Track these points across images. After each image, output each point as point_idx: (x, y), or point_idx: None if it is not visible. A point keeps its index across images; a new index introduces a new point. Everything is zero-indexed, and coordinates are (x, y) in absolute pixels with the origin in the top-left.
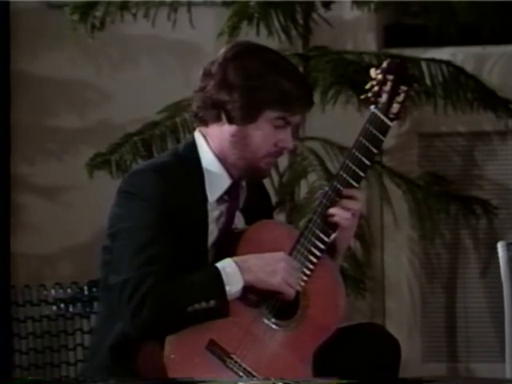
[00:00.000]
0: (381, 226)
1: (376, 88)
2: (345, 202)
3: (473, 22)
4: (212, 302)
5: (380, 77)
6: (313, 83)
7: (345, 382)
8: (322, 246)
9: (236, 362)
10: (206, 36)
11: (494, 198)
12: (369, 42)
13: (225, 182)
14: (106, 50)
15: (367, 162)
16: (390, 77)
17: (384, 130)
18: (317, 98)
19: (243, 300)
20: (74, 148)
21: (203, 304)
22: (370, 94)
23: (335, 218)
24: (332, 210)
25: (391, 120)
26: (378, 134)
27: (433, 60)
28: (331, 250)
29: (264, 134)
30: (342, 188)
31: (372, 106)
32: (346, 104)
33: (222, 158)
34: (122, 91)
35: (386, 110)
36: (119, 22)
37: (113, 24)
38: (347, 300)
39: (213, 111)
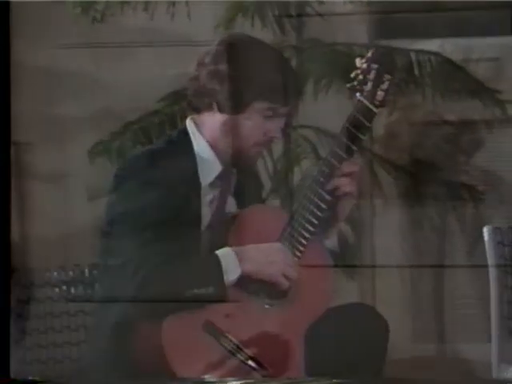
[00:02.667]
0: (371, 209)
1: (361, 76)
2: (343, 167)
3: (461, 14)
4: (210, 289)
5: (365, 66)
6: (306, 74)
7: (339, 381)
8: (311, 229)
9: (231, 340)
10: (203, 28)
11: (481, 183)
12: (360, 34)
13: (216, 167)
14: (105, 40)
15: (353, 147)
16: (375, 66)
17: (370, 116)
18: (310, 87)
19: (239, 286)
20: (74, 136)
21: (202, 290)
22: (355, 83)
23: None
24: (333, 182)
25: (376, 107)
26: (363, 120)
27: (422, 51)
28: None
29: (253, 124)
30: (329, 171)
31: (357, 94)
32: (337, 93)
33: (213, 145)
34: (122, 81)
35: (371, 97)
36: (119, 14)
37: (113, 16)
38: (337, 283)
39: (205, 100)
